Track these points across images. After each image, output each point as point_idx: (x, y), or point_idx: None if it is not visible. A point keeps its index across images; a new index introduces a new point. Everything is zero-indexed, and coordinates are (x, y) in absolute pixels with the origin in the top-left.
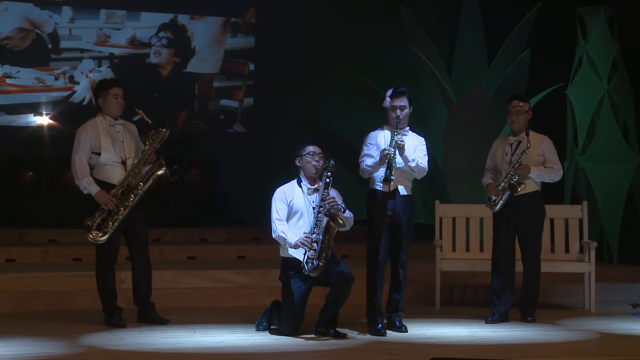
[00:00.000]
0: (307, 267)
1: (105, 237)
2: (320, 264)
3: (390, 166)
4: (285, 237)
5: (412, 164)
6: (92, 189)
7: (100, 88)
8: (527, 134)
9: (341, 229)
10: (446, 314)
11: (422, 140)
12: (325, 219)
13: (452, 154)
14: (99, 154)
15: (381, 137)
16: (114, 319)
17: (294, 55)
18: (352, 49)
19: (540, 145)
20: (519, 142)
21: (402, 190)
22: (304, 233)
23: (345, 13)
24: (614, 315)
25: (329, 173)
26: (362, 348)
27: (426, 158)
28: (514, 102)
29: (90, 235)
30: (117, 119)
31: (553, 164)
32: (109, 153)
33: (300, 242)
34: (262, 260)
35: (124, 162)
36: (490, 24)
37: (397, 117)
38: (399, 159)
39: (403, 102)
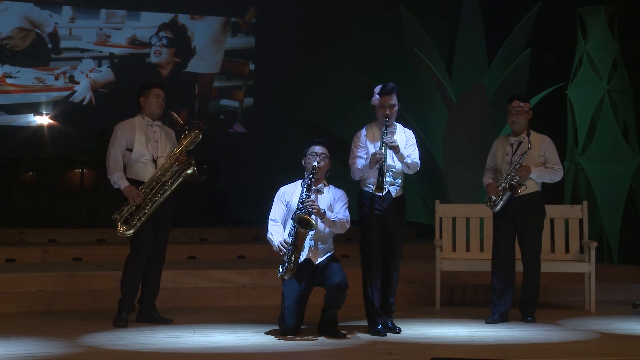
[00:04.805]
0: (281, 270)
1: (132, 230)
2: (290, 266)
3: (382, 172)
4: (272, 240)
5: (408, 161)
6: (121, 183)
7: (143, 87)
8: (528, 135)
9: (337, 232)
10: (446, 314)
11: (411, 133)
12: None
13: (452, 154)
14: (131, 150)
15: (370, 134)
16: (121, 316)
17: (294, 55)
18: (352, 48)
19: (541, 146)
20: (520, 142)
21: (394, 192)
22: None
23: (345, 13)
24: (614, 315)
25: (310, 175)
26: (362, 348)
27: (417, 152)
28: (514, 102)
29: (120, 230)
30: (155, 120)
31: (554, 164)
32: (141, 150)
33: (277, 246)
34: (262, 260)
35: (155, 161)
36: (490, 24)
37: (387, 116)
38: (390, 162)
39: (392, 100)
